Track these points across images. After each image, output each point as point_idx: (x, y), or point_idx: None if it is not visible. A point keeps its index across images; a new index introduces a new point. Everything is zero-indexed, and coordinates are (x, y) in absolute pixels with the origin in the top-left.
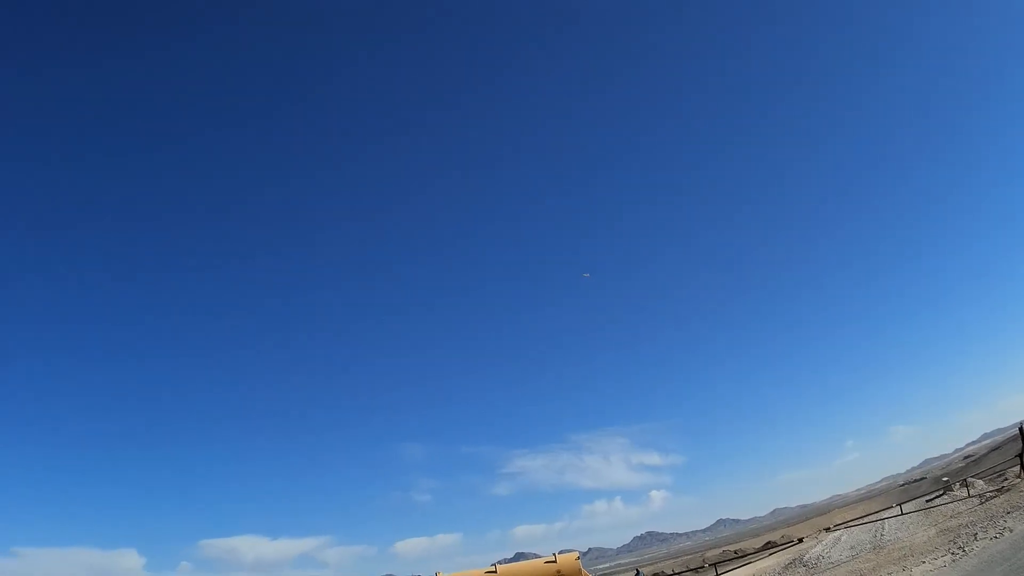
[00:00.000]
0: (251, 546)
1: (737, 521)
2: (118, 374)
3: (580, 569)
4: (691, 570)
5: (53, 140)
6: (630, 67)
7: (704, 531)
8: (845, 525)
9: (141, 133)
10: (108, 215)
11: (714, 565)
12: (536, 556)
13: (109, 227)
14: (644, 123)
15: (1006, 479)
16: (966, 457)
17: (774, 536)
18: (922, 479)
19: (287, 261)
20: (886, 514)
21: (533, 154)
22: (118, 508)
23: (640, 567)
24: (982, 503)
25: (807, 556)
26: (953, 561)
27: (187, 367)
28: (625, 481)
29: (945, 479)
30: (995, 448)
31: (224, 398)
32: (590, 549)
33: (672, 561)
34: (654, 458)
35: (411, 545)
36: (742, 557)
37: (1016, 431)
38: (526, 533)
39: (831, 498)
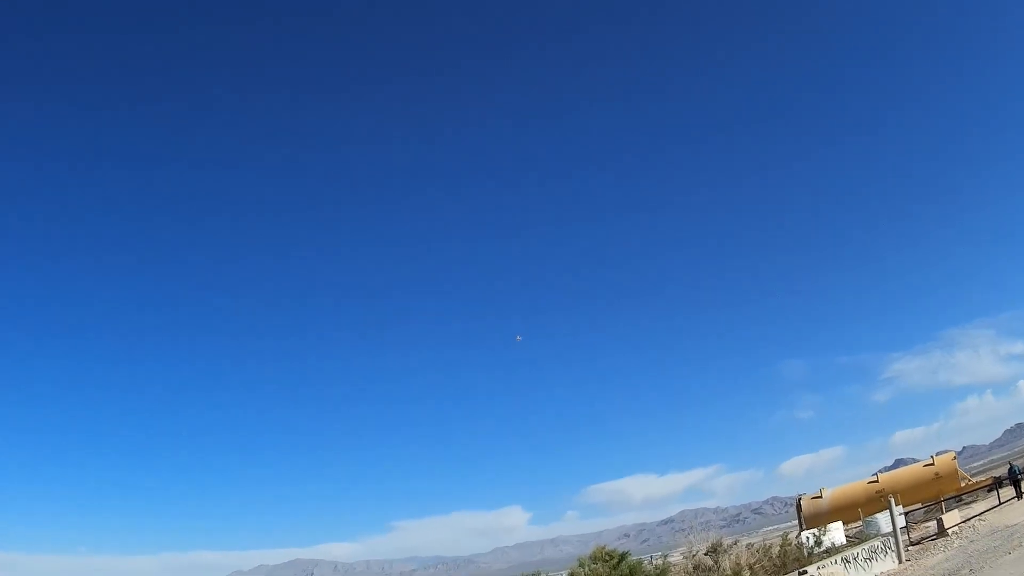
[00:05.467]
0: (639, 486)
1: None
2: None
3: (956, 469)
4: None
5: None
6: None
7: None
8: None
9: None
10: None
11: None
12: (914, 461)
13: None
14: None
15: None
16: None
17: None
18: None
19: None
20: None
21: None
22: (502, 471)
23: (1012, 461)
24: None
25: None
26: None
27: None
28: (994, 374)
29: None
30: None
31: (602, 344)
32: (964, 448)
33: None
34: (1021, 346)
35: (796, 464)
36: None
37: None
38: (904, 438)
39: None
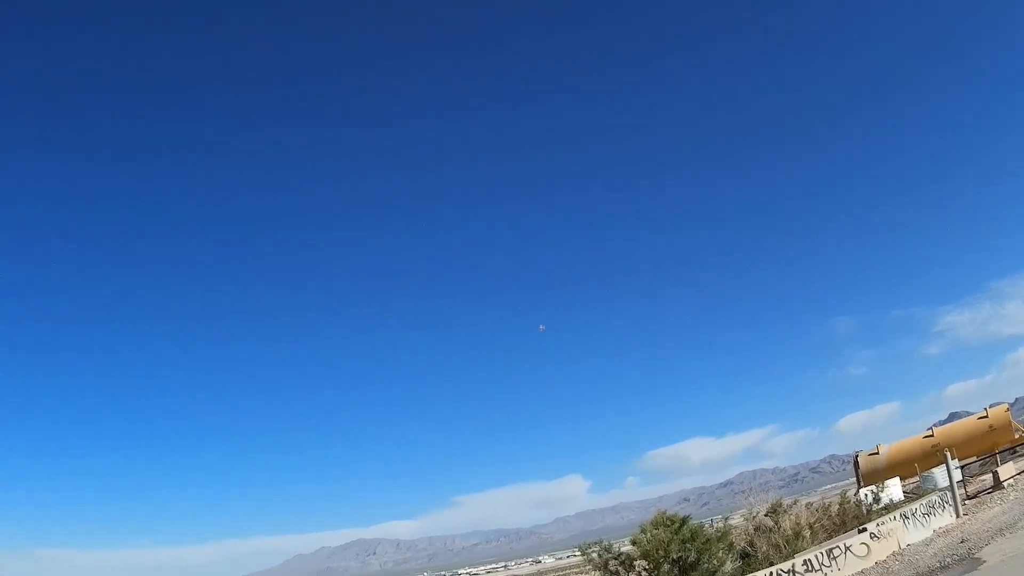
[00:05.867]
0: (698, 448)
1: None
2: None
3: (1010, 421)
4: None
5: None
6: None
7: None
8: None
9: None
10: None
11: None
12: (968, 414)
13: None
14: None
15: None
16: None
17: None
18: None
19: None
20: None
21: None
22: (561, 440)
23: None
24: None
25: None
26: None
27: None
28: None
29: None
30: None
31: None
32: (1016, 399)
33: None
34: None
35: (852, 421)
36: None
37: None
38: (958, 391)
39: None
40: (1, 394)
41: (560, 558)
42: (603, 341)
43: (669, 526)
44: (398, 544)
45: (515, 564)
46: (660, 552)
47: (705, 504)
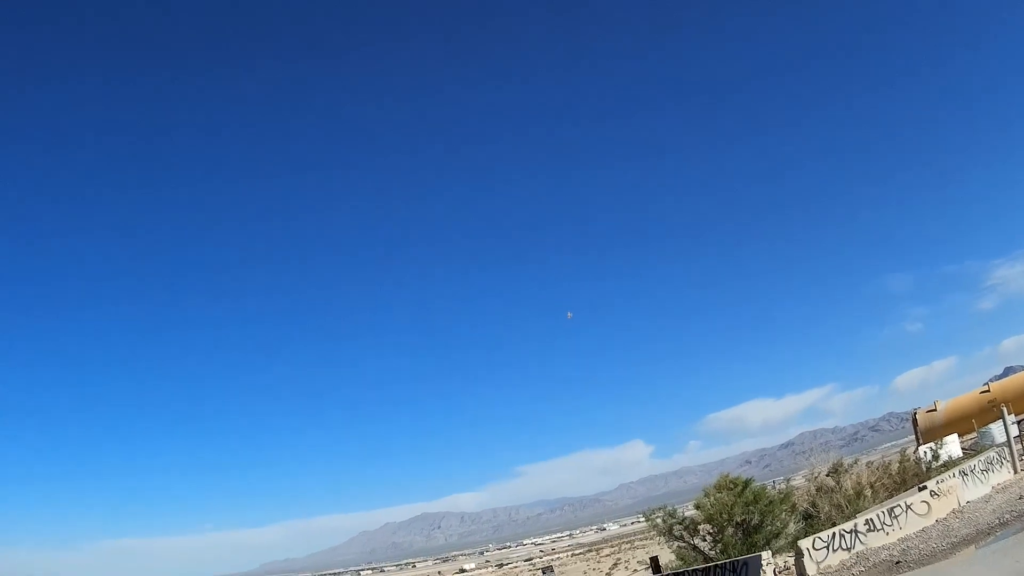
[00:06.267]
0: (757, 410)
1: None
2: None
3: None
4: None
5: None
6: None
7: None
8: None
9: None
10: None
11: None
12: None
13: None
14: None
15: None
16: None
17: None
18: None
19: None
20: None
21: None
22: (623, 406)
23: None
24: None
25: None
26: None
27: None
28: None
29: None
30: None
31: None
32: None
33: None
34: None
35: (909, 378)
36: None
37: None
38: (1013, 345)
39: None
40: (62, 393)
41: (624, 525)
42: (661, 306)
43: (732, 489)
44: (463, 517)
45: (580, 532)
46: (724, 515)
47: (767, 466)
